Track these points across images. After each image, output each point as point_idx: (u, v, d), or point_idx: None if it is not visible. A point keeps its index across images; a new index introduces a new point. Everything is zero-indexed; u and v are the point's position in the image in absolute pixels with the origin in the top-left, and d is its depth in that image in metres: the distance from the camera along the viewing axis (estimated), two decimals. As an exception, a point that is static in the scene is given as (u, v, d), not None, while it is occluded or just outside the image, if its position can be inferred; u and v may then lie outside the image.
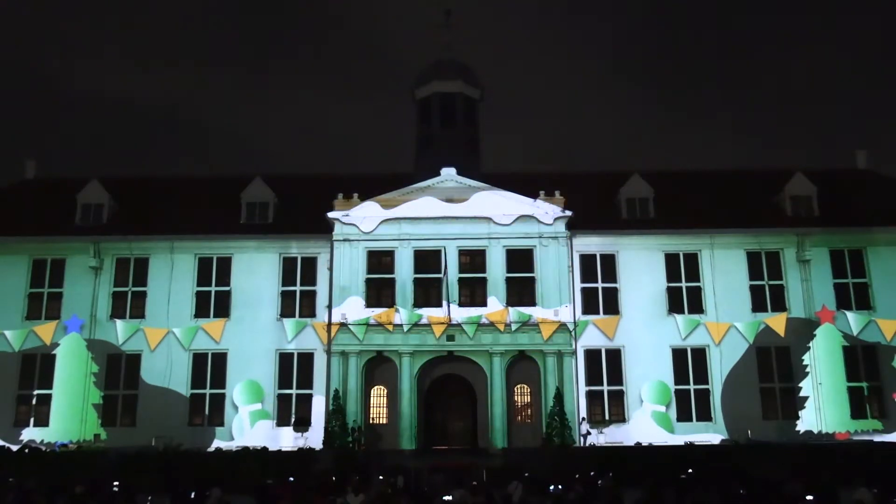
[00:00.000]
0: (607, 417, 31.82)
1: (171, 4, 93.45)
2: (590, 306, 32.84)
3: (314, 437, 30.84)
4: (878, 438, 30.10)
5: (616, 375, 32.27)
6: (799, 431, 31.01)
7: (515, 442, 30.61)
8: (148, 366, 32.56)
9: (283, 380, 32.51)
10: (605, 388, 32.20)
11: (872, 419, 31.45)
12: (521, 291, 32.11)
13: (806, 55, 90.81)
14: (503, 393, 31.12)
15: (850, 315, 32.52)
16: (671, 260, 33.40)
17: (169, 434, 30.56)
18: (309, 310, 33.08)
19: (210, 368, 32.62)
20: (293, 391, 32.39)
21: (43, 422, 31.72)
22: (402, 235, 32.48)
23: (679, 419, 31.71)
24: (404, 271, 32.26)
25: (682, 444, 29.65)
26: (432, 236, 32.40)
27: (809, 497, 13.98)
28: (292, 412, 32.09)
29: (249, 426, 31.78)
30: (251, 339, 32.68)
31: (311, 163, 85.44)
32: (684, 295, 33.06)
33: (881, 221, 33.47)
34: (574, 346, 31.54)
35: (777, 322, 32.59)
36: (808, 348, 31.87)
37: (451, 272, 31.88)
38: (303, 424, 31.42)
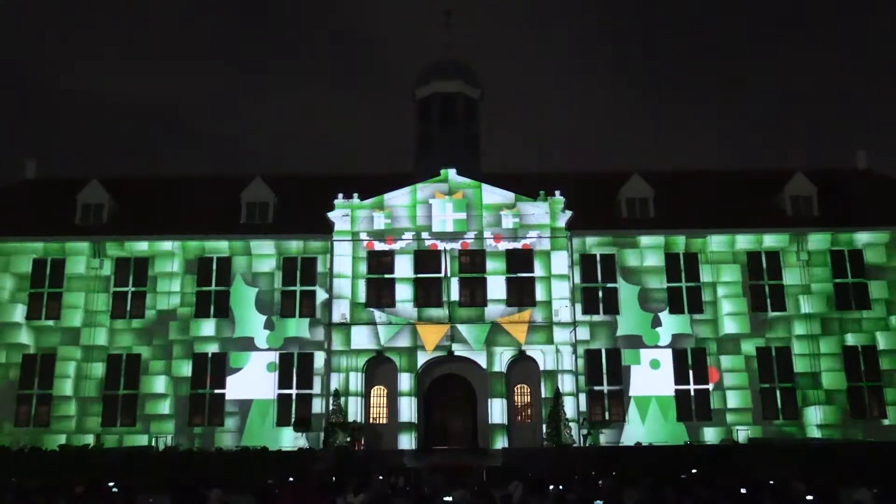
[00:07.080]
0: (607, 417, 31.82)
1: (171, 4, 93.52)
2: (590, 306, 32.83)
3: (314, 437, 30.84)
4: (877, 438, 30.11)
5: (616, 375, 32.26)
6: (801, 431, 31.07)
7: (515, 442, 30.61)
8: (148, 366, 32.53)
9: (283, 380, 32.49)
10: (605, 388, 32.18)
11: (872, 419, 31.47)
12: (521, 291, 32.11)
13: (806, 55, 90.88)
14: (503, 393, 31.12)
15: (849, 315, 32.49)
16: (671, 260, 33.38)
17: (169, 434, 30.61)
18: (309, 310, 33.06)
19: (210, 368, 32.62)
20: (293, 391, 32.37)
21: (43, 422, 31.76)
22: (402, 235, 32.45)
23: (679, 419, 31.70)
24: (404, 271, 32.26)
25: (682, 444, 29.71)
26: (432, 236, 32.40)
27: (809, 497, 13.93)
28: (292, 412, 32.08)
29: (248, 426, 31.78)
30: (251, 338, 32.67)
31: (311, 163, 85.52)
32: (684, 295, 33.04)
33: (881, 221, 33.47)
34: (574, 346, 31.55)
35: (775, 322, 32.56)
36: (807, 348, 31.84)
37: (451, 272, 31.85)
38: (303, 424, 31.39)
